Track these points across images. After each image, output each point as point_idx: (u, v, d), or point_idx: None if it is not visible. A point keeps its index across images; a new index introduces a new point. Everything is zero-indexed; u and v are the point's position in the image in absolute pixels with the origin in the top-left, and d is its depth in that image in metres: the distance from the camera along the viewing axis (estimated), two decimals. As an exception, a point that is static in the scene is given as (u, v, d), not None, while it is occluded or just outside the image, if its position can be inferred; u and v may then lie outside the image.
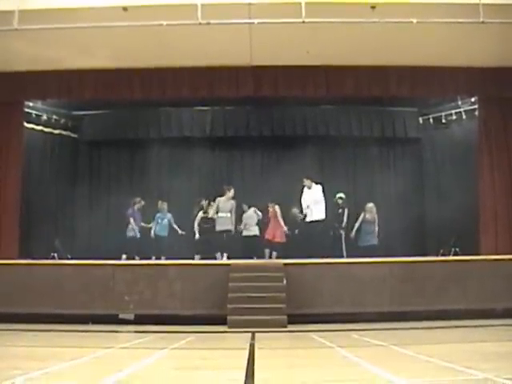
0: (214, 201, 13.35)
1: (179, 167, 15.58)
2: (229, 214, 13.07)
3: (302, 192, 13.25)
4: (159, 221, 13.96)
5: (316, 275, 10.86)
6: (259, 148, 16.35)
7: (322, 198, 13.01)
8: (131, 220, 13.80)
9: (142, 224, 14.03)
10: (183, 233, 13.80)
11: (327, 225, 13.29)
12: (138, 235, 13.79)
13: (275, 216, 13.73)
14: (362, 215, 13.66)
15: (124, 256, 13.28)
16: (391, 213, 14.98)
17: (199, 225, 13.40)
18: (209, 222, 13.27)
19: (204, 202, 13.53)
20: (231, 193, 13.11)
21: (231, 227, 13.14)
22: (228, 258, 12.63)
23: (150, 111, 15.64)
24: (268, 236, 13.63)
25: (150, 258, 13.03)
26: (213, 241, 13.10)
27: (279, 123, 15.68)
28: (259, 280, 10.45)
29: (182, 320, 10.27)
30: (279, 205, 13.91)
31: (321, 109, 15.61)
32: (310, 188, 13.14)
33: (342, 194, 13.87)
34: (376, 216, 13.58)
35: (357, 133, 15.67)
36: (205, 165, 15.96)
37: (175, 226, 13.96)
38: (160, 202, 14.12)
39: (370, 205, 13.74)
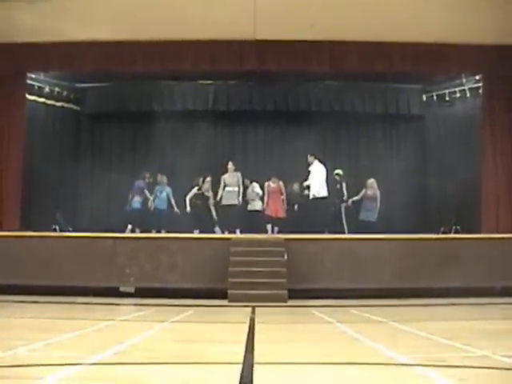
0: (208, 177, 13.46)
1: (181, 141, 15.49)
2: (236, 188, 13.13)
3: (308, 169, 13.28)
4: (158, 194, 13.95)
5: (317, 251, 10.90)
6: (262, 123, 16.26)
7: (324, 176, 13.04)
8: (145, 192, 13.82)
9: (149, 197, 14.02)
10: (177, 211, 13.78)
11: (329, 201, 13.31)
12: (151, 206, 13.81)
13: (278, 192, 13.72)
14: (363, 191, 13.67)
15: (129, 226, 13.36)
16: (393, 190, 14.94)
17: (191, 199, 13.44)
18: (201, 199, 13.33)
19: (200, 179, 13.55)
20: (231, 165, 13.14)
21: (237, 201, 13.18)
22: (229, 232, 12.67)
23: (153, 84, 15.54)
24: (270, 212, 13.62)
25: (150, 232, 13.06)
26: (206, 216, 13.18)
27: (282, 98, 15.58)
28: (260, 255, 10.49)
29: (183, 293, 10.31)
30: (282, 180, 13.90)
31: (324, 84, 15.49)
32: (312, 165, 13.17)
33: (339, 171, 13.89)
34: (378, 192, 13.57)
35: (360, 109, 15.57)
36: (207, 139, 15.86)
37: (173, 201, 13.93)
38: (159, 176, 14.12)
39: (371, 180, 13.74)
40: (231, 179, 13.27)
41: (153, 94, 15.65)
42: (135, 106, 15.65)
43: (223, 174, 13.51)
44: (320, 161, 13.39)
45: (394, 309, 8.89)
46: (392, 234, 11.46)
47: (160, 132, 15.75)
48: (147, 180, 14.09)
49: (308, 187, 13.37)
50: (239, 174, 13.37)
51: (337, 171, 13.86)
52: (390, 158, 15.62)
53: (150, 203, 13.87)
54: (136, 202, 13.82)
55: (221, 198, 13.31)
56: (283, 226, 13.35)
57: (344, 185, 13.77)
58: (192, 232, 12.67)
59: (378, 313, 7.65)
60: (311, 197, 13.08)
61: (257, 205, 13.78)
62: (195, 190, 13.53)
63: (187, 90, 15.67)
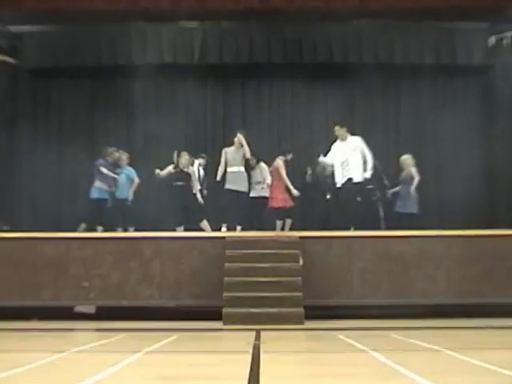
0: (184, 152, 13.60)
1: (157, 106, 15.48)
2: (242, 168, 13.07)
3: (332, 145, 13.24)
4: (117, 178, 14.05)
5: (343, 253, 10.95)
6: (267, 81, 16.23)
7: (365, 152, 13.05)
8: (107, 174, 13.89)
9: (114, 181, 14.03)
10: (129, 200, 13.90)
11: (359, 187, 13.29)
12: (109, 199, 13.87)
13: (277, 173, 13.70)
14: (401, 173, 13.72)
15: (83, 225, 13.33)
16: (447, 169, 14.92)
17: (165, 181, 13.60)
18: (182, 179, 13.34)
19: (174, 153, 13.62)
20: (240, 138, 13.08)
21: (245, 188, 13.15)
22: (227, 229, 12.70)
23: (118, 28, 15.43)
24: (273, 203, 13.58)
25: (115, 230, 13.08)
26: (191, 206, 13.27)
27: (294, 46, 15.44)
28: (266, 259, 10.53)
29: (161, 314, 10.37)
30: (290, 156, 13.94)
31: (352, 26, 15.41)
32: (344, 140, 13.09)
33: None
34: (414, 173, 13.51)
35: (401, 59, 15.43)
36: (192, 102, 15.85)
37: (131, 188, 14.03)
38: (117, 153, 14.19)
39: (404, 157, 13.80)
40: (235, 156, 13.17)
41: (118, 41, 15.53)
42: (93, 59, 15.52)
43: (225, 146, 13.44)
44: (353, 133, 13.30)
45: (450, 332, 8.91)
46: (446, 229, 11.43)
47: (128, 93, 15.69)
48: (109, 158, 14.09)
49: (331, 167, 13.35)
50: (247, 150, 13.22)
51: None
52: (443, 126, 15.55)
53: (113, 190, 13.96)
54: (95, 189, 13.84)
55: (222, 180, 13.23)
56: (297, 219, 13.35)
57: (380, 167, 13.78)
58: (174, 230, 12.67)
59: (429, 338, 7.65)
60: (342, 181, 12.99)
61: (262, 190, 13.77)
62: (170, 168, 13.59)
63: (165, 36, 15.56)
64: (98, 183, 13.86)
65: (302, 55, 15.48)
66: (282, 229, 13.37)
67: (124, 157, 14.18)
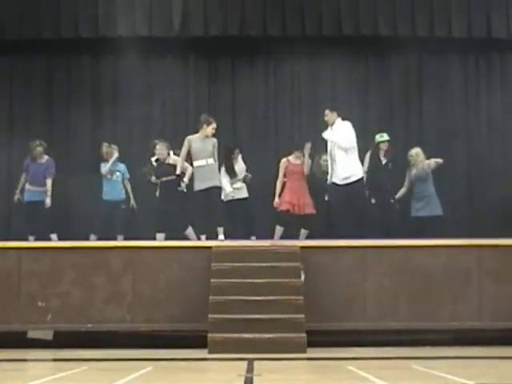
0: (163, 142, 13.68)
1: (129, 88, 15.49)
2: (211, 161, 12.94)
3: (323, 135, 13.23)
4: (108, 176, 14.16)
5: (353, 267, 10.94)
6: (262, 57, 16.26)
7: (354, 144, 12.94)
8: (22, 177, 14.30)
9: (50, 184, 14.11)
10: (134, 204, 14.14)
11: (367, 186, 13.30)
12: (48, 201, 13.97)
13: (302, 173, 13.80)
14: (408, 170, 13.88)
15: (53, 236, 13.61)
16: (476, 164, 14.94)
17: (150, 179, 13.68)
18: (168, 172, 13.33)
19: (154, 143, 13.73)
20: (210, 127, 12.96)
21: (217, 182, 13.03)
22: (207, 237, 12.70)
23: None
24: (290, 207, 13.58)
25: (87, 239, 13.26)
26: (176, 208, 13.31)
27: (293, 17, 15.48)
28: (261, 274, 10.49)
29: (133, 340, 10.33)
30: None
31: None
32: (332, 125, 13.01)
33: (384, 136, 13.94)
34: (426, 167, 13.56)
35: (422, 31, 15.43)
36: (172, 84, 15.87)
37: (129, 188, 14.33)
38: (105, 146, 14.18)
39: (414, 151, 13.83)
40: (201, 146, 12.85)
41: (80, 9, 15.50)
42: (50, 30, 15.50)
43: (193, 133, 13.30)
44: (344, 118, 13.24)
45: (483, 363, 8.87)
46: (480, 237, 11.42)
47: (92, 73, 15.69)
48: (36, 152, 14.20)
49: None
50: (215, 141, 12.97)
51: (379, 137, 13.91)
52: (471, 111, 15.59)
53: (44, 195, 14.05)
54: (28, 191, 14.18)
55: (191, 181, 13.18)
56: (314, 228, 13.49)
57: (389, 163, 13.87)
58: (153, 238, 12.69)
59: (458, 370, 7.65)
60: (332, 180, 12.96)
61: (240, 191, 13.82)
62: (152, 160, 13.66)
63: (138, 2, 15.55)
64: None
65: (304, 27, 15.48)
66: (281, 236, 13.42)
67: (114, 151, 14.26)
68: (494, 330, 10.60)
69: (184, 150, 12.93)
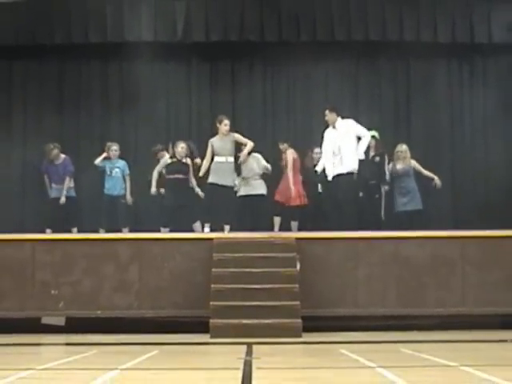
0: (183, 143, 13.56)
1: (135, 90, 15.42)
2: (231, 159, 12.96)
3: (324, 132, 13.17)
4: (108, 172, 14.07)
5: (346, 257, 10.93)
6: (260, 61, 16.20)
7: (359, 131, 12.94)
8: (45, 178, 14.28)
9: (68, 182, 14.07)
10: (130, 199, 14.06)
11: (358, 181, 13.26)
12: (63, 199, 13.92)
13: (287, 165, 13.68)
14: (389, 165, 13.79)
15: (48, 231, 13.42)
16: (459, 162, 14.94)
17: (161, 175, 13.60)
18: (180, 170, 13.33)
19: (169, 144, 13.76)
20: (223, 124, 12.98)
21: (230, 182, 13.07)
22: (211, 229, 12.65)
23: (91, 1, 15.38)
24: (278, 196, 13.57)
25: (97, 232, 13.14)
26: (186, 202, 13.22)
27: (289, 23, 15.43)
28: (259, 264, 10.49)
29: (140, 325, 10.32)
30: (293, 147, 13.90)
31: (357, -1, 15.41)
32: (334, 126, 12.99)
33: (374, 132, 13.87)
34: (413, 164, 13.57)
35: (411, 36, 15.41)
36: (175, 87, 15.82)
37: (128, 184, 14.14)
38: (108, 144, 14.16)
39: (404, 147, 13.79)
40: (222, 144, 13.02)
41: (82, 14, 15.43)
42: (62, 36, 15.46)
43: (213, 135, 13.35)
44: (344, 117, 13.23)
45: (467, 346, 8.88)
46: (464, 229, 11.43)
47: (101, 76, 15.63)
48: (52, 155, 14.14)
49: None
50: (235, 136, 13.18)
51: (371, 133, 13.76)
52: (461, 113, 15.54)
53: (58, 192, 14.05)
54: (54, 189, 14.12)
55: (206, 173, 13.16)
56: (305, 219, 13.42)
57: (386, 158, 13.85)
58: (158, 231, 12.69)
59: (443, 353, 7.65)
60: (332, 174, 12.93)
61: (257, 187, 13.72)
62: (166, 158, 13.58)
63: (144, 10, 15.51)
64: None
65: (299, 33, 15.45)
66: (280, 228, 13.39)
67: (115, 147, 14.24)
68: (476, 315, 10.59)
69: (208, 152, 13.06)
